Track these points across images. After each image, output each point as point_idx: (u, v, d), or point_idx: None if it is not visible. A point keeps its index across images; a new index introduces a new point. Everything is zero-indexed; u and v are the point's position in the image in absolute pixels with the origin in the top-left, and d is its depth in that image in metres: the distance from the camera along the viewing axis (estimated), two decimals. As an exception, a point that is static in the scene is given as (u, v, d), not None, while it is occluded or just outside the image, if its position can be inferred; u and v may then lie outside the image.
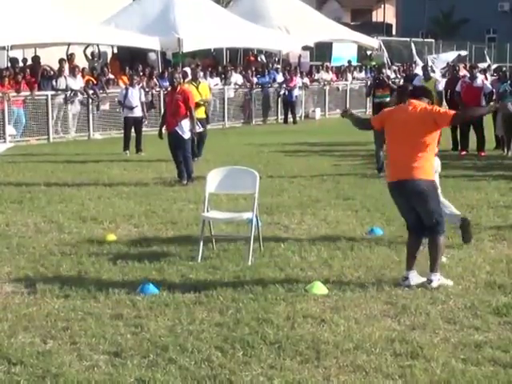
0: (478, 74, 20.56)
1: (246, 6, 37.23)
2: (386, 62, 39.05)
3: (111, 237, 10.60)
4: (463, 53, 46.43)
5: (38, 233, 11.04)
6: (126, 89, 20.73)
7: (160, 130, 16.22)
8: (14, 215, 12.24)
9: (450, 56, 44.00)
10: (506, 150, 19.11)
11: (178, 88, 15.55)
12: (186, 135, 15.38)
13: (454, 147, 20.01)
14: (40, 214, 12.27)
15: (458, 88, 19.57)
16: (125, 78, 25.76)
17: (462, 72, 22.98)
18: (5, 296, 8.11)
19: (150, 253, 9.80)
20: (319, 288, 8.14)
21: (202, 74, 21.80)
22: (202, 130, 17.68)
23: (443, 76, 30.51)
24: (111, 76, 25.96)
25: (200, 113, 17.75)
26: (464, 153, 19.40)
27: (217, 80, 28.65)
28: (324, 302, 7.79)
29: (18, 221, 11.78)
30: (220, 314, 7.49)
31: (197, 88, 18.05)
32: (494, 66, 39.55)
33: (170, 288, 8.25)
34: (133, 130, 20.40)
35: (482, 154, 19.23)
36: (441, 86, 20.61)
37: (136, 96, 20.24)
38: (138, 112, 20.35)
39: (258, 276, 8.68)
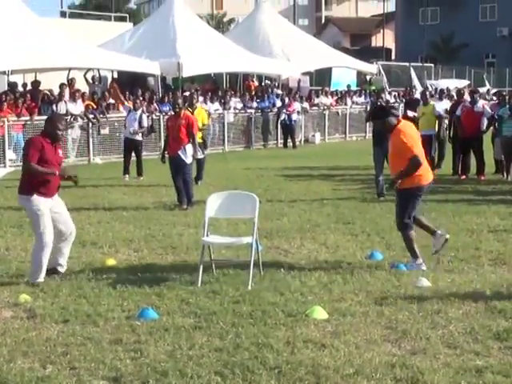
0: (479, 99, 20.64)
1: (245, 33, 37.43)
2: (385, 86, 39.24)
3: (111, 261, 10.59)
4: (464, 82, 46.45)
5: (38, 257, 11.00)
6: (129, 111, 20.90)
7: (163, 154, 16.24)
8: (13, 240, 12.24)
9: (450, 83, 44.11)
10: (505, 174, 19.12)
11: (182, 113, 15.60)
12: (189, 160, 15.41)
13: (453, 172, 20.03)
14: (40, 239, 12.22)
15: (458, 112, 19.61)
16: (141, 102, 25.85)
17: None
18: (4, 321, 8.09)
19: (150, 277, 9.78)
20: (319, 313, 8.11)
21: (201, 98, 21.86)
22: (202, 156, 17.73)
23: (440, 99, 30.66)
24: (111, 100, 26.04)
25: (198, 137, 17.79)
26: (464, 177, 19.42)
27: (217, 105, 28.72)
28: (324, 327, 7.76)
29: (17, 245, 11.78)
30: (220, 339, 7.47)
31: (192, 113, 18.11)
32: (493, 91, 39.62)
33: (170, 313, 8.24)
34: (133, 153, 20.45)
35: (482, 178, 19.24)
36: (440, 110, 20.63)
37: (135, 120, 20.31)
38: (134, 135, 20.39)
39: (258, 300, 8.66)
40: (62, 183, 9.91)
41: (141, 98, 26.32)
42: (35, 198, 9.50)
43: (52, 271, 9.78)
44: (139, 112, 20.69)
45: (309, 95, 34.62)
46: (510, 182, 18.74)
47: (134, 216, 14.37)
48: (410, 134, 10.23)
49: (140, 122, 20.38)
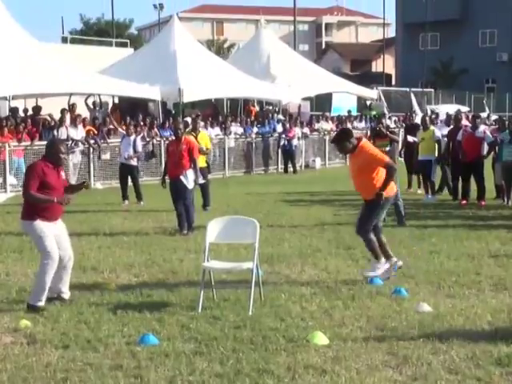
0: (481, 125, 20.70)
1: (246, 59, 37.58)
2: (385, 111, 39.36)
3: (111, 286, 10.57)
4: (464, 109, 46.60)
5: (38, 283, 10.99)
6: (123, 137, 21.01)
7: (163, 179, 16.25)
8: (13, 265, 12.23)
9: (451, 108, 44.22)
10: (506, 199, 19.12)
11: (183, 138, 15.64)
12: (190, 185, 15.43)
13: (454, 197, 20.04)
14: (40, 264, 12.22)
15: (459, 137, 19.66)
16: (135, 127, 25.92)
17: (464, 121, 23.11)
18: (4, 346, 8.07)
19: (150, 303, 9.76)
20: (320, 338, 8.09)
21: (202, 123, 21.94)
22: (203, 181, 17.76)
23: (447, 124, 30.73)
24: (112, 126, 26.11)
25: (201, 162, 17.84)
26: (464, 202, 19.41)
27: (217, 130, 28.79)
28: (325, 353, 7.74)
29: (17, 271, 11.76)
30: (220, 365, 7.44)
31: (196, 137, 18.16)
32: (493, 117, 39.68)
33: (170, 338, 8.22)
34: (129, 179, 20.52)
35: (483, 203, 19.24)
36: (439, 134, 20.67)
37: (130, 146, 20.38)
38: (129, 161, 20.45)
39: (259, 326, 8.64)
40: (65, 207, 9.88)
41: (141, 124, 26.50)
42: (38, 222, 9.48)
43: (56, 298, 9.77)
44: (133, 137, 20.75)
45: (309, 120, 34.72)
46: (510, 207, 18.73)
47: (135, 241, 14.36)
48: (373, 147, 11.23)
49: (134, 147, 20.43)
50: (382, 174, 10.86)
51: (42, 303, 9.47)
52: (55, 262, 9.50)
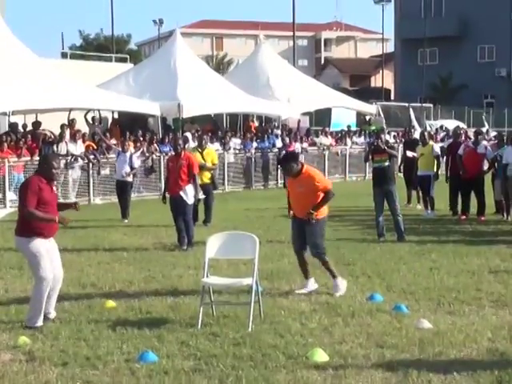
0: (482, 141, 20.75)
1: (245, 74, 37.62)
2: (384, 127, 39.39)
3: (110, 303, 10.54)
4: (462, 125, 46.62)
5: (37, 299, 10.97)
6: (118, 153, 20.91)
7: (164, 195, 16.25)
8: (13, 281, 12.20)
9: (450, 124, 44.27)
10: (505, 214, 19.12)
11: (183, 154, 15.63)
12: (190, 200, 15.43)
13: (453, 213, 20.04)
14: (39, 280, 12.20)
15: (460, 151, 19.66)
16: (130, 143, 25.93)
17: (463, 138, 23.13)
18: (3, 364, 8.03)
19: (150, 319, 9.73)
20: (320, 355, 8.06)
21: (208, 139, 21.74)
22: (203, 197, 17.75)
23: (442, 140, 30.78)
24: (113, 141, 26.12)
25: (205, 178, 17.85)
26: (464, 217, 19.40)
27: (217, 145, 28.79)
28: (325, 370, 7.71)
29: (16, 287, 11.74)
30: (220, 382, 7.42)
31: (201, 153, 18.15)
32: (493, 133, 39.68)
33: (170, 355, 8.19)
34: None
35: (482, 218, 19.24)
36: (438, 150, 20.69)
37: (126, 162, 20.25)
38: (126, 177, 20.31)
39: (259, 343, 8.61)
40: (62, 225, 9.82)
41: (141, 139, 26.51)
42: (34, 240, 9.40)
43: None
44: (129, 153, 20.65)
45: (306, 133, 34.67)
46: (510, 222, 18.72)
47: (134, 257, 14.34)
48: (318, 172, 11.79)
49: (131, 164, 20.36)
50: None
51: (40, 323, 9.41)
52: (49, 283, 9.42)
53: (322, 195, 11.17)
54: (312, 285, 11.39)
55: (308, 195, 11.17)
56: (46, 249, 9.48)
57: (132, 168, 20.41)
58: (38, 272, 9.38)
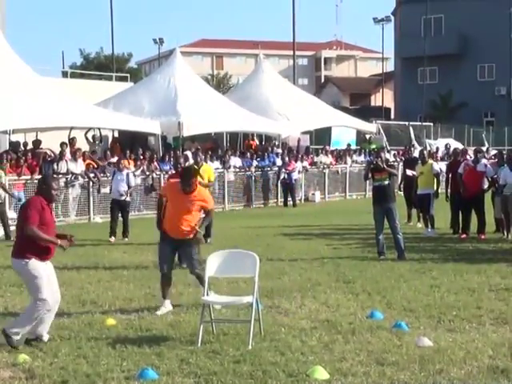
0: (482, 159, 20.77)
1: (245, 93, 37.72)
2: (384, 145, 39.46)
3: (110, 321, 10.53)
4: (457, 144, 46.60)
5: (37, 317, 10.96)
6: (114, 172, 20.75)
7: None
8: (13, 299, 12.19)
9: (450, 142, 44.26)
10: (505, 232, 19.11)
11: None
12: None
13: (454, 231, 20.03)
14: (39, 298, 12.19)
15: (460, 170, 19.69)
16: (125, 162, 25.93)
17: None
18: (2, 381, 8.01)
19: (150, 337, 9.72)
20: (320, 373, 8.04)
21: (203, 157, 21.70)
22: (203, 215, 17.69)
23: (442, 159, 30.81)
24: (113, 159, 26.13)
25: None
26: (464, 236, 19.40)
27: (217, 164, 28.83)
28: (325, 387, 7.69)
29: (16, 304, 11.72)
30: (220, 400, 7.40)
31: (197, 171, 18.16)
32: (492, 152, 39.68)
33: (170, 373, 8.17)
34: (120, 214, 20.13)
35: (482, 236, 19.23)
36: (438, 168, 20.73)
37: (123, 181, 20.09)
38: (124, 197, 20.11)
39: (259, 360, 8.59)
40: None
41: (141, 157, 26.55)
42: (33, 262, 9.24)
43: (35, 340, 9.41)
44: (125, 172, 20.44)
45: (306, 152, 34.72)
46: (510, 240, 18.71)
47: (134, 275, 14.34)
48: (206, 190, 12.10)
49: (128, 183, 20.24)
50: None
51: (16, 337, 9.18)
52: (49, 305, 9.29)
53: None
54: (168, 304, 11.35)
55: (193, 211, 11.34)
56: (45, 271, 9.35)
57: (129, 187, 20.33)
58: (39, 295, 9.20)
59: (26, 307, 9.67)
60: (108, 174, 24.74)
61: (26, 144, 27.11)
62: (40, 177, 10.42)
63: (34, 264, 9.24)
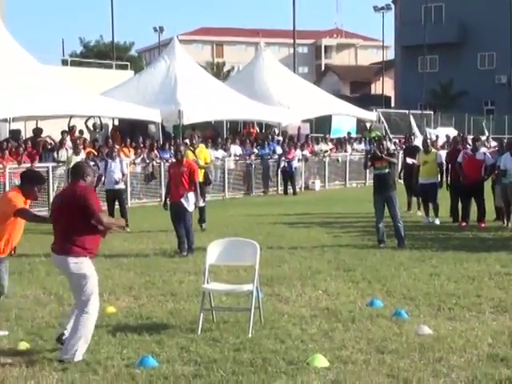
0: (481, 147, 20.73)
1: (245, 81, 37.65)
2: (385, 133, 39.41)
3: (110, 309, 10.55)
4: (455, 132, 46.51)
5: (37, 305, 11.00)
6: (106, 162, 20.46)
7: (165, 201, 16.29)
8: (13, 287, 12.15)
9: (450, 131, 44.22)
10: (505, 221, 19.10)
11: (184, 161, 15.68)
12: (191, 208, 15.46)
13: (454, 219, 20.03)
14: (39, 286, 12.24)
15: (459, 159, 19.67)
16: (126, 150, 25.93)
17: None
18: (3, 368, 8.02)
19: (150, 325, 9.73)
20: (320, 361, 8.05)
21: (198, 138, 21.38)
22: (204, 204, 17.79)
23: (442, 148, 30.75)
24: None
25: (199, 176, 17.86)
26: (464, 224, 19.39)
27: (221, 152, 28.74)
28: (325, 375, 7.70)
29: (17, 292, 11.74)
30: (220, 387, 7.41)
31: (193, 152, 18.28)
32: (493, 143, 39.65)
33: (170, 361, 8.18)
34: (116, 203, 19.93)
35: (482, 225, 19.22)
36: (442, 157, 20.67)
37: (117, 169, 19.93)
38: (119, 185, 19.97)
39: (259, 348, 8.60)
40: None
41: (142, 146, 26.53)
42: (88, 260, 8.50)
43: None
44: (118, 160, 20.30)
45: (305, 140, 34.69)
46: (510, 228, 18.70)
47: (135, 263, 14.34)
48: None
49: (121, 170, 20.03)
50: None
51: (83, 354, 8.31)
52: (97, 312, 8.61)
53: None
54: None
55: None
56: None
57: (123, 174, 20.16)
58: (89, 296, 8.51)
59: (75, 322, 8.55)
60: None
61: (25, 132, 27.05)
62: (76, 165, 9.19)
63: (89, 263, 8.56)
